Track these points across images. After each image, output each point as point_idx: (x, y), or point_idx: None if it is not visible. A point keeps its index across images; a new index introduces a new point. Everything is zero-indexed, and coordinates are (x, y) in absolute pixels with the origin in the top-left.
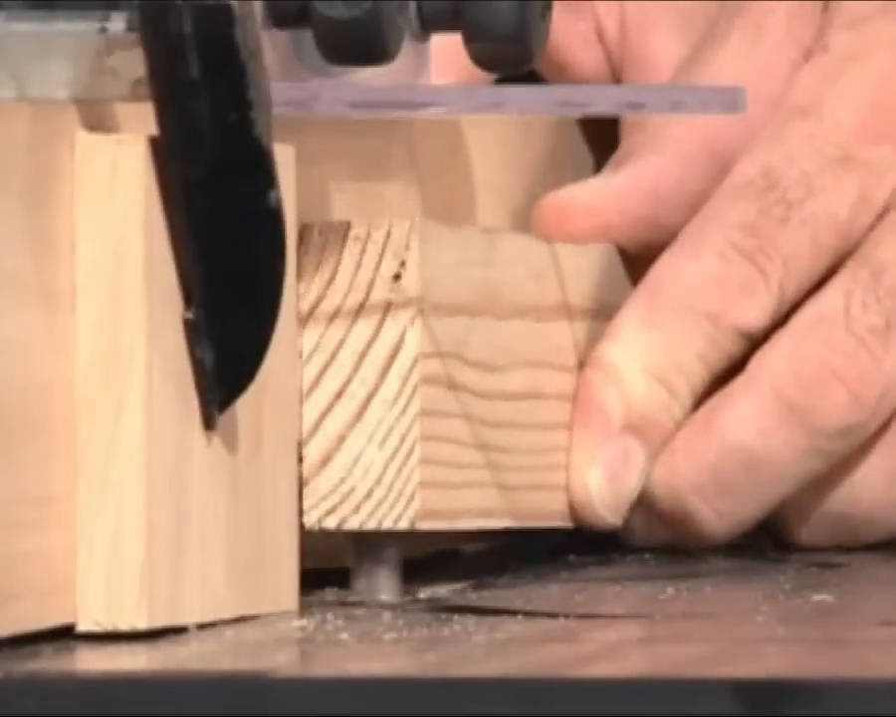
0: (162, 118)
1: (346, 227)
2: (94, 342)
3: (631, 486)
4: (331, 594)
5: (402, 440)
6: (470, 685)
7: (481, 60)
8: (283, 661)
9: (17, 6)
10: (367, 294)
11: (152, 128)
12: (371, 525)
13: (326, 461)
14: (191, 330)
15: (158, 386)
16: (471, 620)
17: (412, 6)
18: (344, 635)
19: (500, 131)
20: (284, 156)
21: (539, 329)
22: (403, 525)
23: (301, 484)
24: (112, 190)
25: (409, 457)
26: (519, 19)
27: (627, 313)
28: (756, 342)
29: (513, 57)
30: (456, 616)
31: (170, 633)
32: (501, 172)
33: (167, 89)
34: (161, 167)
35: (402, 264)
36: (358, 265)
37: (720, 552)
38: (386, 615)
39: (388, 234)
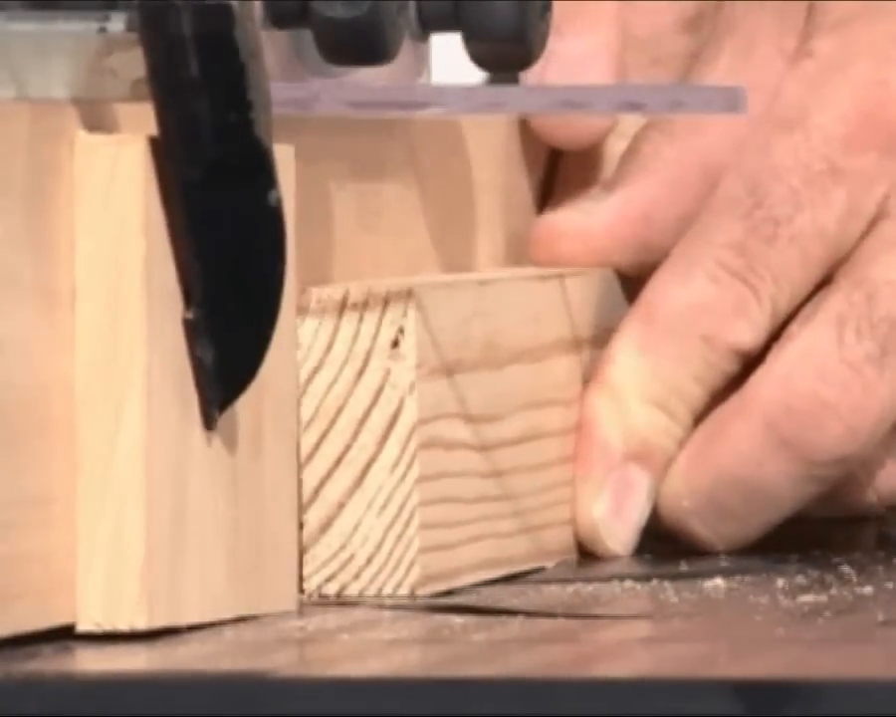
0: (162, 118)
1: (345, 296)
2: (93, 341)
3: (637, 514)
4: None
5: (402, 507)
6: (470, 685)
7: (481, 60)
8: (282, 661)
9: (17, 6)
10: (366, 362)
11: (152, 129)
12: (371, 591)
13: (325, 528)
14: (191, 329)
15: (158, 386)
16: (471, 620)
17: (412, 6)
18: (344, 636)
19: (499, 131)
20: (283, 156)
21: (538, 369)
22: (403, 591)
23: (300, 548)
24: (112, 190)
25: (409, 524)
26: (518, 19)
27: (621, 339)
28: (753, 356)
29: (513, 57)
30: (456, 616)
31: (170, 634)
32: (500, 172)
33: (167, 89)
34: (161, 167)
35: (400, 331)
36: (356, 334)
37: (719, 552)
38: (386, 615)
39: (386, 301)
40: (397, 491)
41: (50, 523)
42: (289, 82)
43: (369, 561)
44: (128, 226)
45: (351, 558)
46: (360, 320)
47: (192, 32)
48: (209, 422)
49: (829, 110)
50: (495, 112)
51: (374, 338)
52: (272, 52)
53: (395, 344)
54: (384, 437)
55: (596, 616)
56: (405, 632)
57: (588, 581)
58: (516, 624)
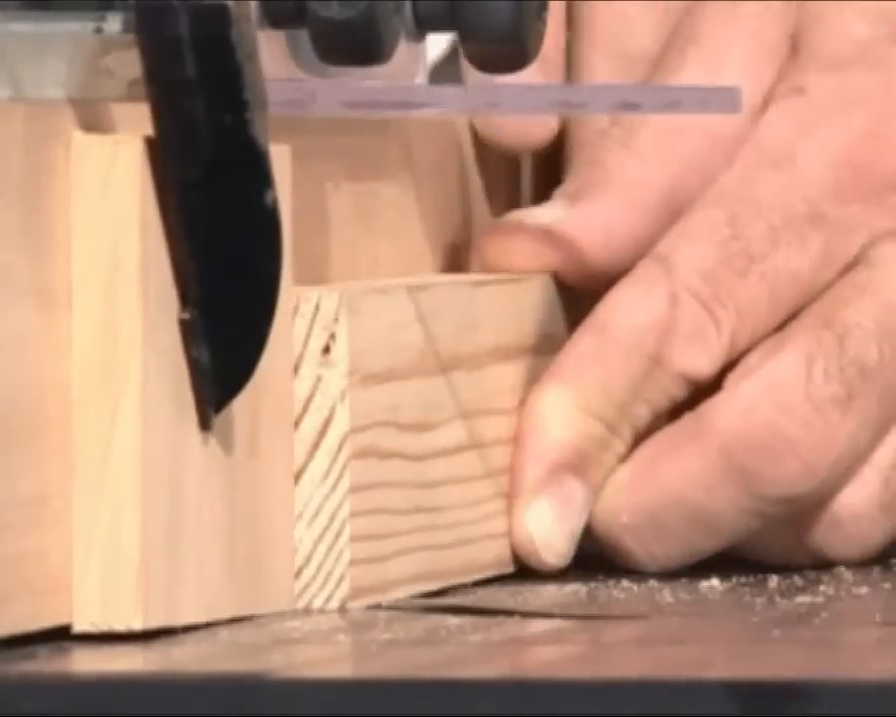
0: (158, 118)
1: None
2: (90, 342)
3: (573, 526)
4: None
5: (332, 518)
6: (466, 686)
7: (476, 60)
8: (279, 662)
9: (13, 6)
10: (296, 369)
11: (148, 129)
12: (300, 605)
13: None
14: (187, 330)
15: (154, 386)
16: (467, 621)
17: (407, 6)
18: (340, 636)
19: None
20: (280, 156)
21: (476, 377)
22: (333, 605)
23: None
24: (109, 191)
25: (339, 537)
26: (514, 19)
27: (572, 349)
28: (703, 386)
29: (508, 57)
30: (452, 617)
31: (166, 634)
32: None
33: (163, 89)
34: (157, 168)
35: (332, 336)
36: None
37: (715, 553)
38: (382, 616)
39: (317, 307)
40: (328, 502)
41: (46, 523)
42: (285, 82)
43: (298, 573)
44: (125, 226)
45: None
46: (291, 325)
47: (189, 32)
48: (205, 422)
49: (820, 154)
50: (491, 112)
51: (305, 344)
52: (268, 52)
53: (326, 350)
54: (315, 446)
55: (593, 617)
56: (402, 633)
57: (584, 581)
58: (512, 625)
